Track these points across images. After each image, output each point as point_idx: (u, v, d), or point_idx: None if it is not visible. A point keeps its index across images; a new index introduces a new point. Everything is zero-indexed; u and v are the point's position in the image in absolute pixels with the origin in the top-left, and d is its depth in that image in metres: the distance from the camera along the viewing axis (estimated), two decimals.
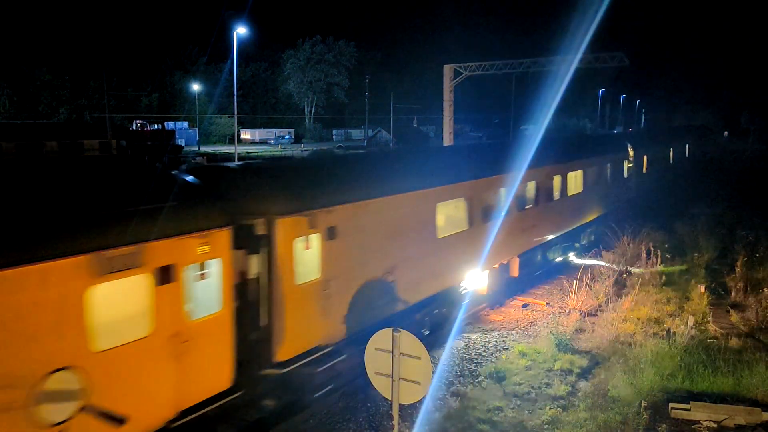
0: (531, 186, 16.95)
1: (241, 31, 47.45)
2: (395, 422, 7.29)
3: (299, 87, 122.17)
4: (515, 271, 16.49)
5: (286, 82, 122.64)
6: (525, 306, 16.40)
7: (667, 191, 32.10)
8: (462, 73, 61.95)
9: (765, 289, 15.09)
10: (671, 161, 36.53)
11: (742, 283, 16.12)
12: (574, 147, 22.99)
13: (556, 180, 18.52)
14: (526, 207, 16.69)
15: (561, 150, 20.18)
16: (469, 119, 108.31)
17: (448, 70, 62.15)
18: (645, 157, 28.91)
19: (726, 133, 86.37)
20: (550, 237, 18.51)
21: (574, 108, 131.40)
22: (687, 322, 13.26)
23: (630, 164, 26.32)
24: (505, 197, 15.18)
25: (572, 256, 20.81)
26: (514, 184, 15.28)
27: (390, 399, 7.12)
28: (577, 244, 21.29)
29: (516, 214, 15.70)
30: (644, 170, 28.82)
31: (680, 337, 12.53)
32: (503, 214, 14.77)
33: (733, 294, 15.89)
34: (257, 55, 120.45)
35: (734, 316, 14.41)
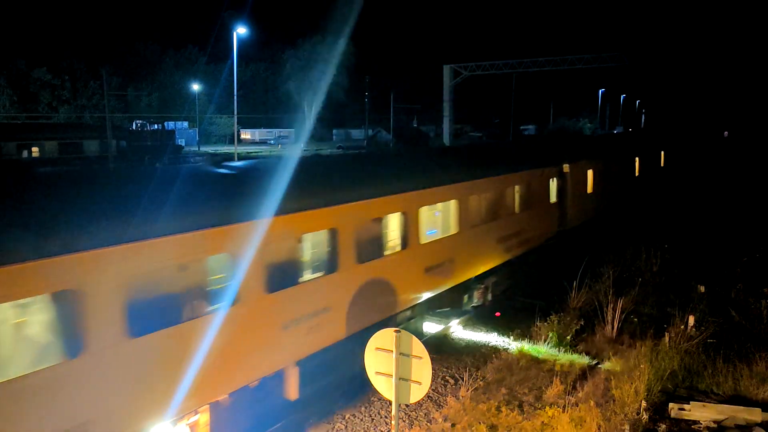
0: (315, 241, 10.34)
1: (241, 31, 47.56)
2: (395, 422, 7.29)
3: (299, 87, 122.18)
4: (293, 391, 9.64)
5: (286, 82, 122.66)
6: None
7: (617, 219, 25.29)
8: (462, 73, 62.01)
9: (765, 289, 15.10)
10: (636, 174, 28.74)
11: (742, 283, 16.15)
12: (436, 164, 14.31)
13: (393, 221, 11.78)
14: (303, 279, 9.77)
15: (403, 172, 12.65)
16: (470, 119, 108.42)
17: (448, 70, 62.22)
18: (590, 173, 21.42)
19: (726, 133, 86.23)
20: (382, 315, 11.43)
21: (574, 108, 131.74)
22: (687, 322, 13.26)
23: (563, 183, 19.20)
24: (237, 269, 8.35)
25: (455, 327, 14.61)
26: (259, 240, 8.56)
27: (390, 399, 7.13)
28: (471, 305, 14.93)
29: (270, 295, 8.89)
30: (588, 190, 21.58)
31: (680, 337, 12.53)
32: (232, 300, 8.24)
33: (733, 294, 15.89)
34: (257, 55, 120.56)
35: (735, 316, 14.42)
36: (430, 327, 14.00)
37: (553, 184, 18.59)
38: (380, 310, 11.39)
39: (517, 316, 15.44)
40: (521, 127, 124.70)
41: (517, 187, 16.34)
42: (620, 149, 27.88)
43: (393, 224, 11.86)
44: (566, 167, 19.24)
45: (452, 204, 13.38)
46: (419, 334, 12.92)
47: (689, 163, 42.03)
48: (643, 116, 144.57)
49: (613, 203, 25.06)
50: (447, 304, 14.01)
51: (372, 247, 11.05)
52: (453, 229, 13.42)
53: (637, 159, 28.66)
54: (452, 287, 13.66)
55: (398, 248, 11.73)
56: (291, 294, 9.32)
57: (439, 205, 13.36)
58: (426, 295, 12.72)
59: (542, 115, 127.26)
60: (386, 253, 11.48)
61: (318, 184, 10.29)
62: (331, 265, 10.11)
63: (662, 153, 34.55)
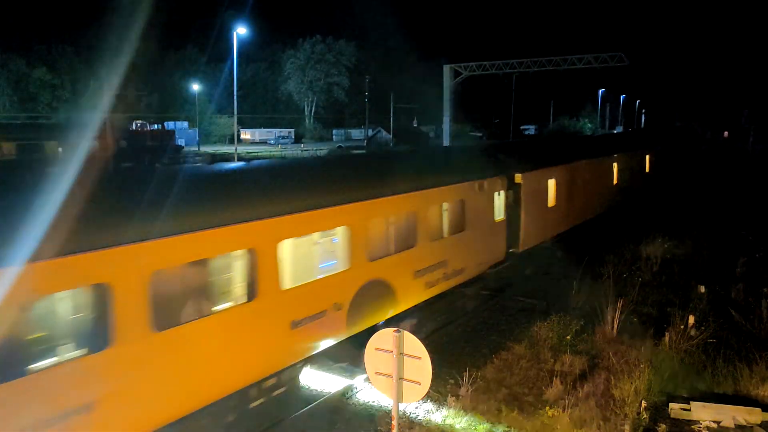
0: (73, 304, 7.26)
1: (241, 31, 47.59)
2: (395, 422, 7.30)
3: (299, 87, 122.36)
4: None
5: (286, 82, 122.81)
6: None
7: (588, 235, 21.93)
8: (462, 73, 62.01)
9: (765, 289, 15.11)
10: (614, 182, 25.36)
11: (742, 283, 16.16)
12: (320, 180, 10.86)
13: (232, 263, 8.86)
14: (34, 368, 6.53)
15: (257, 193, 9.30)
16: (470, 119, 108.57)
17: (448, 70, 62.23)
18: (552, 182, 18.46)
19: (726, 133, 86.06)
20: (205, 399, 8.26)
21: (574, 108, 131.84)
22: (687, 322, 13.26)
23: (515, 196, 16.23)
24: None
25: (362, 384, 11.30)
26: None
27: (391, 399, 7.14)
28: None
29: None
30: (550, 203, 18.55)
31: (680, 337, 12.54)
32: None
33: (733, 294, 15.90)
34: (257, 55, 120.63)
35: (735, 316, 14.43)
36: (325, 382, 11.05)
37: (500, 197, 15.64)
38: (202, 391, 8.12)
39: (516, 319, 15.40)
40: (521, 127, 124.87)
41: (445, 205, 13.32)
42: (594, 154, 23.80)
43: (233, 267, 8.79)
44: (519, 177, 16.25)
45: (341, 232, 10.36)
46: (298, 399, 10.42)
47: (680, 168, 38.15)
48: (643, 116, 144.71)
49: (584, 217, 21.91)
50: (344, 358, 11.05)
51: (187, 304, 8.09)
52: (342, 265, 10.31)
53: (615, 165, 25.28)
54: (346, 339, 10.62)
55: (243, 299, 8.62)
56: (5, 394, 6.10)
57: (323, 233, 10.26)
58: (295, 357, 9.66)
59: (542, 115, 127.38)
60: (216, 309, 8.44)
61: (84, 216, 6.78)
62: (96, 340, 6.90)
63: (647, 157, 30.85)
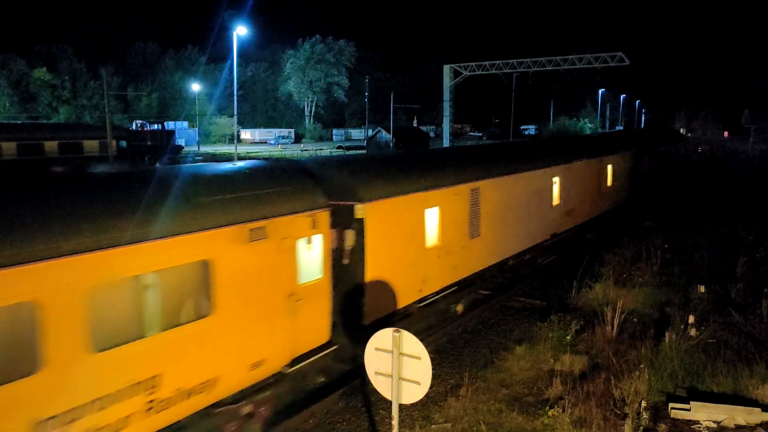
0: None
1: (241, 31, 47.55)
2: (395, 422, 7.30)
3: (299, 87, 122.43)
4: None
5: (286, 82, 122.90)
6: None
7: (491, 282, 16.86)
8: (462, 73, 62.05)
9: (765, 289, 15.10)
10: (555, 202, 19.11)
11: (743, 283, 16.15)
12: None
13: None
14: None
15: None
16: (470, 119, 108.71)
17: (448, 70, 62.27)
18: (436, 211, 13.02)
19: (726, 133, 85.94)
20: None
21: (574, 108, 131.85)
22: (687, 322, 13.25)
23: (356, 239, 10.92)
24: None
25: None
26: None
27: (390, 399, 7.13)
28: None
29: None
30: (429, 243, 12.94)
31: (680, 337, 12.53)
32: None
33: (733, 294, 15.89)
34: (257, 55, 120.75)
35: (735, 316, 14.42)
36: None
37: (317, 245, 10.08)
38: None
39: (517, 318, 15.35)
40: (521, 127, 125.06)
41: (149, 278, 7.33)
42: (517, 167, 16.80)
43: None
44: (361, 209, 10.88)
45: None
46: None
47: (661, 176, 32.18)
48: (643, 116, 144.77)
49: (503, 254, 16.21)
50: None
51: None
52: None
53: (557, 179, 19.11)
54: None
55: None
56: None
57: None
58: None
59: (542, 115, 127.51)
60: None
61: None
62: None
63: (610, 166, 24.20)
